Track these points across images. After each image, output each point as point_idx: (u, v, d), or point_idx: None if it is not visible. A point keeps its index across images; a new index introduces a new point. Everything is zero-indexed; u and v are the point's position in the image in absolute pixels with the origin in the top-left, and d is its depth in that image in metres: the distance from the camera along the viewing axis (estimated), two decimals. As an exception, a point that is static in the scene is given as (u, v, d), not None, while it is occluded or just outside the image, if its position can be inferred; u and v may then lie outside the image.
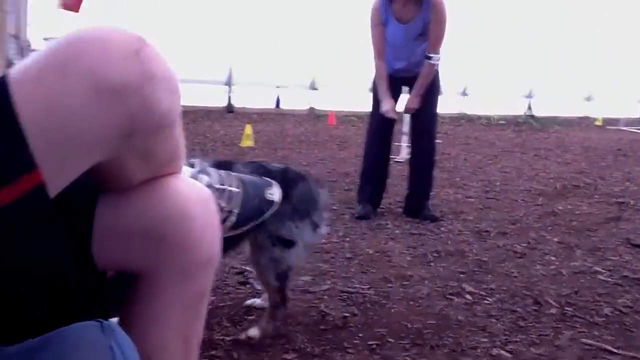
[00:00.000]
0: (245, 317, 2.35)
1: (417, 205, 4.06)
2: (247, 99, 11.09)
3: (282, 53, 10.79)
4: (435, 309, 2.50)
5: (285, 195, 1.60)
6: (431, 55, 3.93)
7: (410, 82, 4.06)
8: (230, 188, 1.32)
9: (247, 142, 7.04)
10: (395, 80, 4.08)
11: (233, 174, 1.42)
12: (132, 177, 1.01)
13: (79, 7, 9.33)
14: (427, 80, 3.97)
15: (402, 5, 3.87)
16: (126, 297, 1.10)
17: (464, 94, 12.40)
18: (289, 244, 2.10)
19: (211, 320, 2.29)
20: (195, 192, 1.08)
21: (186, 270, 1.05)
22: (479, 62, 11.97)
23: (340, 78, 11.25)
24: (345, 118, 10.73)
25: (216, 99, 10.78)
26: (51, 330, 0.89)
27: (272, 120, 10.27)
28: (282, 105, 11.47)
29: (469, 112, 12.24)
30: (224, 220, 1.28)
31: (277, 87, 11.41)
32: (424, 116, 4.11)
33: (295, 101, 11.47)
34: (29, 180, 0.83)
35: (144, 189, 1.03)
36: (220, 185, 1.33)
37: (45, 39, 9.95)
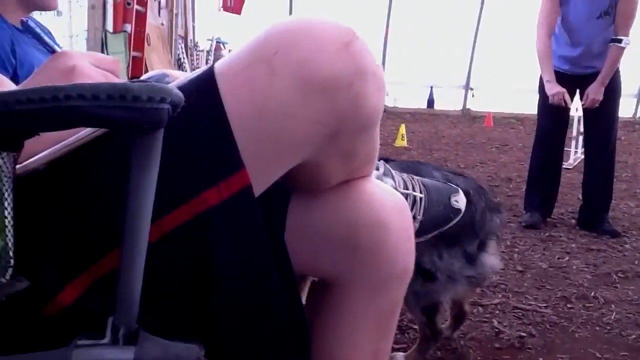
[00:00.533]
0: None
1: (594, 217, 3.65)
2: (399, 98, 10.95)
3: (434, 52, 10.54)
4: (628, 339, 2.19)
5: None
6: (620, 37, 3.37)
7: (582, 82, 3.56)
8: (414, 193, 1.22)
9: (402, 142, 6.92)
10: (562, 78, 3.55)
11: (417, 178, 1.31)
12: (330, 178, 0.94)
13: (240, 10, 9.81)
14: (614, 66, 3.45)
15: None
16: (313, 305, 1.05)
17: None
18: (428, 276, 1.75)
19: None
20: (390, 198, 0.99)
21: (379, 283, 0.97)
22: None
23: (496, 78, 10.75)
24: (504, 120, 10.19)
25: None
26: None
27: (425, 120, 10.05)
28: (435, 106, 11.19)
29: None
30: None
31: (430, 86, 11.15)
32: (603, 117, 3.60)
33: (449, 101, 11.12)
34: (237, 180, 0.78)
35: (337, 190, 0.96)
36: (405, 189, 1.23)
37: (209, 40, 10.62)
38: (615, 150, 3.74)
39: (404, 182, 1.21)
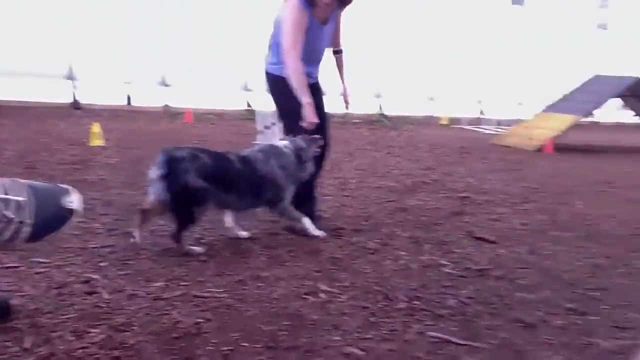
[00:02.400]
0: (90, 329, 2.16)
1: None
2: (96, 95, 10.42)
3: (131, 47, 10.29)
4: (291, 310, 2.48)
5: None
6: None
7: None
8: (16, 198, 1.20)
9: (97, 141, 6.61)
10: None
11: (22, 181, 1.29)
12: None
13: None
14: None
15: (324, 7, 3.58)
16: None
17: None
18: None
19: (52, 334, 2.09)
20: None
21: None
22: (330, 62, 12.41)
23: (195, 75, 10.97)
24: (203, 116, 10.49)
25: (60, 95, 10.01)
26: None
27: (124, 117, 9.76)
28: (133, 102, 10.92)
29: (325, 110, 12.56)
30: (15, 232, 1.16)
31: (127, 82, 10.84)
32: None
33: (148, 98, 10.97)
34: None
35: None
36: (4, 195, 1.20)
37: None
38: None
39: (4, 187, 1.17)
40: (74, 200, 1.23)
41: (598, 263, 3.39)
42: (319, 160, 3.81)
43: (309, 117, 3.48)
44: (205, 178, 3.15)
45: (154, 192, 3.16)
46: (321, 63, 3.87)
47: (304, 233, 3.56)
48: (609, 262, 3.42)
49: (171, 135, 8.05)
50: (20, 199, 1.13)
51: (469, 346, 2.24)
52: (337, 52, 4.02)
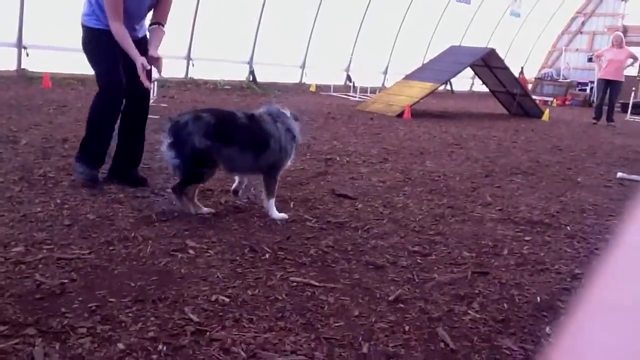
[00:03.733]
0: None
1: (126, 169, 3.95)
2: None
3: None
4: (159, 266, 2.56)
5: None
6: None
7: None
8: None
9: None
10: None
11: None
12: None
13: None
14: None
15: None
16: None
17: (189, 58, 12.41)
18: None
19: None
20: None
21: None
22: (204, 29, 12.12)
23: (52, 37, 10.27)
24: (64, 81, 9.90)
25: None
26: None
27: (-27, 81, 8.97)
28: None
29: (196, 77, 12.33)
30: None
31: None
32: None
33: (0, 61, 10.12)
34: None
35: None
36: None
37: None
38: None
39: None
40: None
41: (441, 212, 3.79)
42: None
43: (142, 76, 3.65)
44: (211, 138, 3.22)
45: (167, 161, 3.32)
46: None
47: (266, 212, 3.46)
48: (450, 211, 3.84)
49: (27, 101, 7.55)
50: None
51: (325, 287, 2.47)
52: (155, 24, 3.92)
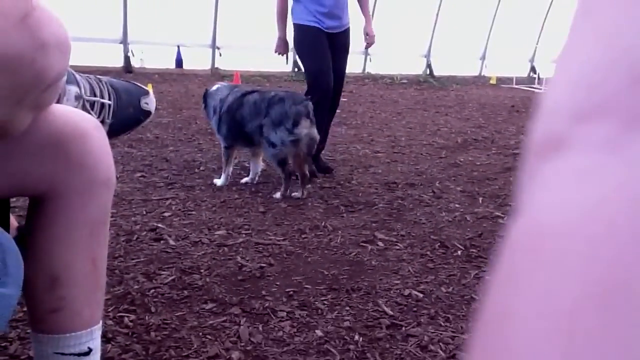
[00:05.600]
0: (160, 272, 2.29)
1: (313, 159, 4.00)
2: (147, 58, 10.61)
3: (181, 10, 10.38)
4: (350, 256, 2.56)
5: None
6: None
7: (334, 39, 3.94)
8: (101, 100, 1.27)
9: (150, 102, 6.76)
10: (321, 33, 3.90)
11: (104, 79, 1.35)
12: (21, 127, 0.97)
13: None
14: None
15: None
16: (33, 220, 1.08)
17: (367, 53, 12.55)
18: (273, 145, 3.35)
19: (125, 276, 2.23)
20: (86, 116, 1.07)
21: (88, 189, 1.05)
22: (381, 23, 12.19)
23: (242, 38, 11.00)
24: (251, 78, 10.56)
25: (112, 58, 10.23)
26: None
27: (175, 80, 9.92)
28: (184, 65, 11.07)
29: (373, 71, 12.44)
30: None
31: (178, 45, 10.98)
32: (337, 72, 3.92)
33: (197, 61, 11.09)
34: None
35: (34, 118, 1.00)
36: (92, 96, 1.27)
37: None
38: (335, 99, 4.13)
39: (91, 87, 1.24)
40: (150, 101, 1.30)
41: None
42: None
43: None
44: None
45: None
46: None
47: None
48: None
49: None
50: (105, 101, 1.21)
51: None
52: None
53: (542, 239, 0.21)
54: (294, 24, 3.90)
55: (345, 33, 3.95)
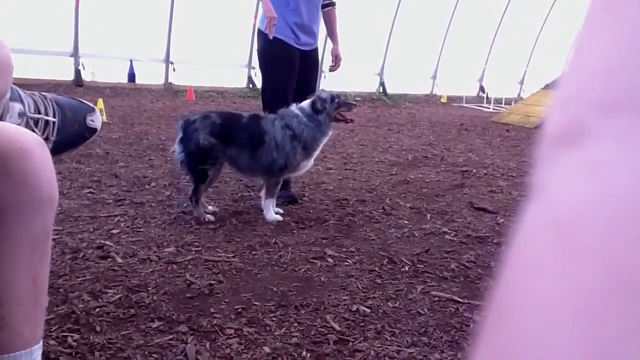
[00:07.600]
0: (106, 290, 2.26)
1: None
2: (98, 72, 10.43)
3: (134, 24, 10.27)
4: (299, 273, 2.58)
5: None
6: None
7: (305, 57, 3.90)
8: (46, 117, 1.27)
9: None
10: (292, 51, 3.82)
11: (49, 96, 1.35)
12: None
13: None
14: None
15: None
16: None
17: (321, 71, 12.68)
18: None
19: (70, 295, 2.19)
20: (29, 133, 1.07)
21: (30, 207, 1.05)
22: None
23: (197, 53, 10.96)
24: (205, 94, 10.52)
25: (62, 71, 10.02)
26: None
27: (127, 95, 9.79)
28: (137, 80, 10.93)
29: (327, 89, 12.57)
30: None
31: (131, 60, 10.84)
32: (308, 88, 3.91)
33: (151, 75, 10.98)
34: None
35: None
36: (36, 113, 1.27)
37: None
38: None
39: (35, 104, 1.24)
40: (96, 118, 1.30)
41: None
42: None
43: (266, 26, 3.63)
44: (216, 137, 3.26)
45: (177, 155, 3.32)
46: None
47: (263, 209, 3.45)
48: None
49: (173, 112, 8.09)
50: (49, 118, 1.21)
51: (470, 304, 2.34)
52: (328, 5, 3.94)
53: (559, 229, 0.22)
54: (264, 32, 3.69)
55: (316, 51, 3.95)
